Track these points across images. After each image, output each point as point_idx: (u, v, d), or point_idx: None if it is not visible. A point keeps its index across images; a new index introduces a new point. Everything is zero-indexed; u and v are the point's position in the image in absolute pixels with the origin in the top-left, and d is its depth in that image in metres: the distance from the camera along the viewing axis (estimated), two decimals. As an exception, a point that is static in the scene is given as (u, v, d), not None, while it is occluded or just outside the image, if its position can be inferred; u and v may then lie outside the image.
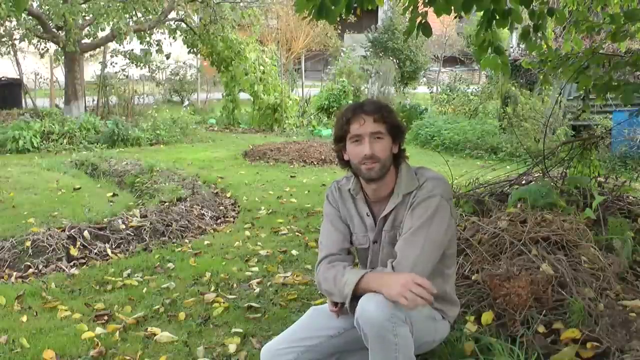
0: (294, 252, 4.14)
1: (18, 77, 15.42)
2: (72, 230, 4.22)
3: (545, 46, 3.79)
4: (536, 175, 4.34)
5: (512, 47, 13.08)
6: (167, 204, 5.22)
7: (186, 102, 18.41)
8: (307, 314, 2.17)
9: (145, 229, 4.49)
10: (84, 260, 3.99)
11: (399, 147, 2.05)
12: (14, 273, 3.72)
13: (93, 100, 13.61)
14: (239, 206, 5.76)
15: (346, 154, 2.05)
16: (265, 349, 2.08)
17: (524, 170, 4.45)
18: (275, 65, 14.05)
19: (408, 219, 1.97)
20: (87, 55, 14.36)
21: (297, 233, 4.67)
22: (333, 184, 2.20)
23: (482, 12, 3.16)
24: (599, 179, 4.07)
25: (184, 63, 19.16)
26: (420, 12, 3.22)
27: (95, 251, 4.11)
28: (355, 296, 1.88)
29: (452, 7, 2.97)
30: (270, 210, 5.44)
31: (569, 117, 9.02)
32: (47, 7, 10.54)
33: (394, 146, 2.03)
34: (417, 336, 1.92)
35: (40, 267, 3.81)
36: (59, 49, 12.14)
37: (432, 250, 1.94)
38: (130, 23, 11.49)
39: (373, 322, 1.80)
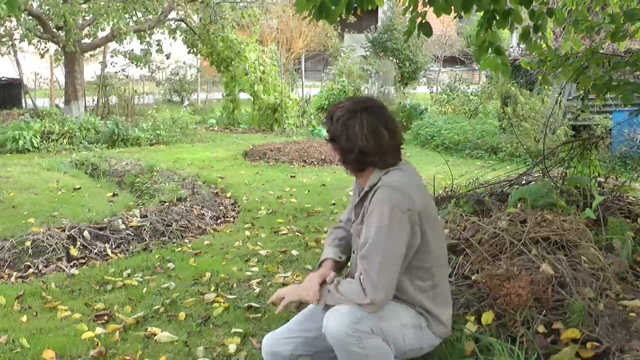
0: (294, 252, 4.14)
1: (18, 77, 15.42)
2: (72, 230, 4.22)
3: (544, 46, 3.79)
4: (536, 175, 4.34)
5: (512, 47, 13.08)
6: (167, 204, 5.22)
7: (186, 102, 18.38)
8: (309, 307, 2.21)
9: (145, 229, 4.49)
10: (84, 260, 3.99)
11: (345, 154, 2.04)
12: (14, 273, 3.72)
13: (93, 100, 13.59)
14: (239, 206, 5.76)
15: None
16: (267, 338, 2.17)
17: (524, 170, 4.44)
18: (275, 65, 14.04)
19: (365, 228, 1.98)
20: (87, 55, 14.34)
21: (297, 233, 4.67)
22: None
23: (482, 13, 3.16)
24: (599, 179, 4.07)
25: (184, 63, 19.15)
26: (420, 12, 3.22)
27: (95, 251, 4.12)
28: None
29: (452, 7, 2.97)
30: (270, 210, 5.44)
31: (569, 117, 9.02)
32: (47, 7, 10.54)
33: (340, 153, 2.07)
34: (399, 345, 1.96)
35: (40, 267, 3.81)
36: (59, 49, 12.13)
37: (392, 264, 1.93)
38: (130, 23, 11.48)
39: (335, 338, 1.89)
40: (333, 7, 2.79)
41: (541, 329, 2.43)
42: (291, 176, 7.37)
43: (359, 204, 2.10)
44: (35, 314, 3.08)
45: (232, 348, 2.64)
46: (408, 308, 2.04)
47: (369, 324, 1.87)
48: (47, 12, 10.70)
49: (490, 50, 3.36)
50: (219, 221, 5.23)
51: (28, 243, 3.95)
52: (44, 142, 9.81)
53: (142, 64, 13.10)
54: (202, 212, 5.21)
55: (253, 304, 3.15)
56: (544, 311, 2.51)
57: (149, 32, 12.13)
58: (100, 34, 11.53)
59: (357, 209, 2.11)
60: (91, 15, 10.84)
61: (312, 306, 2.19)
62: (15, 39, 13.16)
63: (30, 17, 10.96)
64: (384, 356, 1.90)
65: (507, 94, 10.63)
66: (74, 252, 4.02)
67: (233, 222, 5.21)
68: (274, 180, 7.02)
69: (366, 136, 1.98)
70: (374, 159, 2.02)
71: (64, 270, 3.79)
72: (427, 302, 2.06)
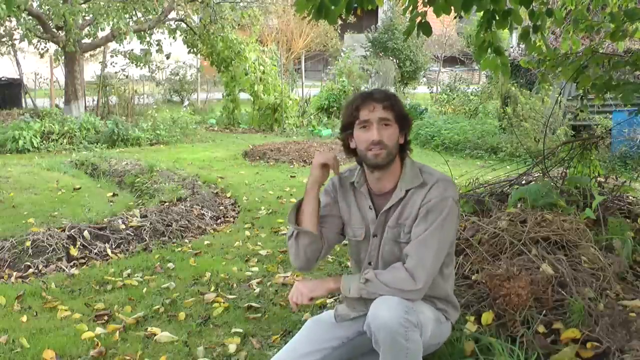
0: (294, 252, 4.14)
1: (18, 77, 15.43)
2: (72, 230, 4.22)
3: (543, 46, 3.79)
4: (536, 175, 4.34)
5: (512, 47, 13.08)
6: (167, 204, 5.22)
7: (186, 102, 18.40)
8: (306, 326, 2.12)
9: (145, 229, 4.49)
10: (84, 260, 3.99)
11: (405, 138, 2.05)
12: (14, 273, 3.72)
13: (93, 100, 13.60)
14: (239, 206, 5.76)
15: (352, 141, 2.04)
16: None
17: (524, 170, 4.45)
18: (275, 65, 14.04)
19: (422, 221, 1.95)
20: (87, 55, 14.35)
21: (297, 233, 4.66)
22: (334, 177, 2.19)
23: (482, 13, 3.16)
24: (599, 179, 4.07)
25: (184, 63, 19.16)
26: (419, 12, 3.22)
27: (95, 251, 4.11)
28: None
29: (452, 7, 2.97)
30: (270, 210, 5.44)
31: (568, 117, 9.02)
32: (47, 7, 10.54)
33: (400, 136, 2.02)
34: (425, 338, 1.93)
35: (40, 267, 3.81)
36: (59, 49, 12.13)
37: (443, 253, 1.97)
38: (130, 23, 11.48)
39: (387, 327, 1.80)
40: (333, 7, 2.79)
41: (541, 329, 2.43)
42: (291, 176, 7.37)
43: (395, 206, 2.01)
44: (35, 314, 3.08)
45: (232, 348, 2.64)
46: (428, 304, 2.04)
47: (415, 317, 1.84)
48: (47, 12, 10.70)
49: (490, 51, 3.36)
50: (219, 221, 5.22)
51: (28, 243, 3.95)
52: (44, 142, 9.81)
53: (142, 64, 13.11)
54: (202, 212, 5.21)
55: (253, 304, 3.14)
56: (544, 311, 2.51)
57: (149, 32, 12.13)
58: (100, 34, 11.54)
59: (387, 213, 2.03)
60: (91, 15, 10.84)
61: (311, 325, 2.10)
62: (15, 39, 13.16)
63: (30, 17, 10.96)
64: (418, 353, 1.86)
65: (507, 94, 10.63)
66: (74, 252, 4.02)
67: (233, 222, 5.21)
68: (274, 180, 7.02)
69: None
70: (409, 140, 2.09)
71: (64, 270, 3.79)
72: (450, 290, 2.11)
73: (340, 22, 3.81)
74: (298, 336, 2.09)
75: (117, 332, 2.82)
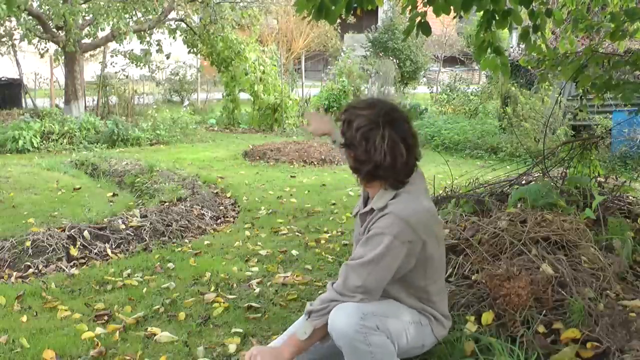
0: (294, 252, 4.14)
1: (18, 77, 15.42)
2: (72, 230, 4.21)
3: (543, 46, 3.80)
4: (536, 175, 4.34)
5: (512, 47, 13.08)
6: (167, 204, 5.22)
7: (186, 102, 18.40)
8: (298, 321, 2.18)
9: (145, 229, 4.49)
10: (84, 260, 3.99)
11: (356, 160, 2.00)
12: (14, 273, 3.72)
13: (93, 100, 13.60)
14: (239, 206, 5.76)
15: None
16: None
17: (524, 170, 4.45)
18: (275, 65, 14.04)
19: (362, 245, 1.96)
20: (87, 55, 14.34)
21: (297, 233, 4.67)
22: None
23: (481, 13, 3.17)
24: (599, 179, 4.07)
25: (184, 63, 19.16)
26: (419, 12, 3.22)
27: (95, 251, 4.11)
28: None
29: (452, 7, 2.98)
30: (270, 210, 5.44)
31: (568, 117, 9.02)
32: (47, 7, 10.54)
33: (349, 155, 2.03)
34: (402, 342, 1.94)
35: (40, 267, 3.81)
36: (59, 49, 12.13)
37: (377, 284, 1.93)
38: (130, 23, 11.49)
39: (343, 335, 1.84)
40: (333, 7, 2.79)
41: (541, 329, 2.43)
42: (291, 176, 7.37)
43: (365, 215, 2.07)
44: (35, 314, 3.08)
45: (232, 348, 2.64)
46: (409, 308, 2.06)
47: (374, 321, 1.86)
48: (47, 12, 10.70)
49: (490, 51, 3.36)
50: (219, 221, 5.22)
51: (28, 243, 3.95)
52: (44, 142, 9.81)
53: (142, 64, 13.10)
54: (202, 212, 5.21)
55: (253, 304, 3.14)
56: (544, 311, 2.51)
57: (149, 32, 12.13)
58: (100, 34, 11.54)
59: (362, 217, 2.10)
60: (91, 15, 10.84)
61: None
62: (15, 39, 13.17)
63: (30, 17, 10.96)
64: (388, 355, 1.88)
65: (507, 94, 10.64)
66: (74, 252, 4.02)
67: (233, 222, 5.21)
68: (274, 180, 7.02)
69: (385, 152, 1.91)
70: (386, 175, 1.96)
71: (64, 270, 3.79)
72: (426, 306, 2.09)
73: (340, 22, 3.81)
74: (294, 325, 2.17)
75: (117, 332, 2.82)
